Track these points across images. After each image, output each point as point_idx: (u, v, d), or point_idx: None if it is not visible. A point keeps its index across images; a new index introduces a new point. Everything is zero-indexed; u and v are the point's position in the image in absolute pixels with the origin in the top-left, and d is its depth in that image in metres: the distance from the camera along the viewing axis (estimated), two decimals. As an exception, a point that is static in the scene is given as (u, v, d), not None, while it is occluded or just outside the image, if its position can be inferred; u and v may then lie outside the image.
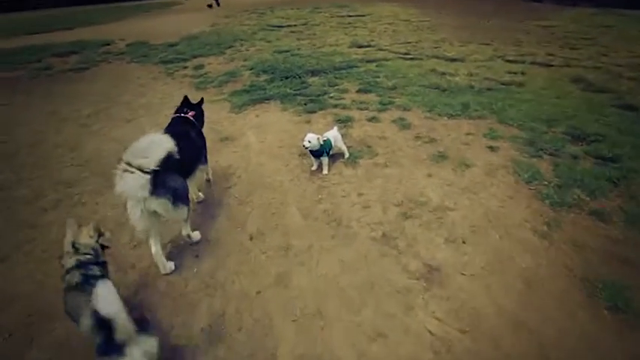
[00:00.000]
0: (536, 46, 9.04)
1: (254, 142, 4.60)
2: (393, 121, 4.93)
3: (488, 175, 3.61)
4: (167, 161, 2.10)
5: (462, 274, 2.49)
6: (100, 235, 1.90)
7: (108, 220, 3.22)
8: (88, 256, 1.75)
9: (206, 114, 3.66)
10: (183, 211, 2.39)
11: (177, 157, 2.20)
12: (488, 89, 5.97)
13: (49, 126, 5.70)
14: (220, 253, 2.78)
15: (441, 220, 3.00)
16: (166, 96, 6.74)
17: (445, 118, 5.00)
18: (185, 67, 8.69)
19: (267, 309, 2.31)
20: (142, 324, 1.58)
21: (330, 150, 3.64)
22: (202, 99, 3.50)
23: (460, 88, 6.05)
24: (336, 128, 3.90)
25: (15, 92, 7.61)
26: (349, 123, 4.93)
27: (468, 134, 4.48)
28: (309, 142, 3.43)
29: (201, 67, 8.62)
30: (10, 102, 7.00)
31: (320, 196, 3.39)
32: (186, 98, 3.36)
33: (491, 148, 4.11)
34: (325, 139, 3.56)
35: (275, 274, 2.56)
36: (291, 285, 2.47)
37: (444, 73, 6.89)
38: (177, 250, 2.84)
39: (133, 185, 1.97)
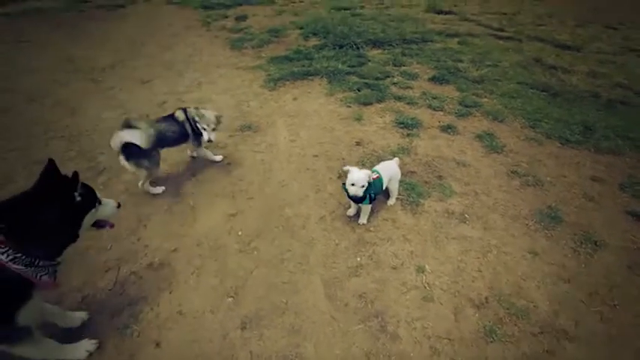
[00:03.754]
0: (686, 40, 6.64)
1: (283, 140, 3.47)
2: (478, 137, 3.53)
3: (632, 272, 2.25)
4: None
5: None
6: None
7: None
8: None
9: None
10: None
11: None
12: (622, 103, 4.22)
13: (59, 75, 4.94)
14: (189, 352, 1.83)
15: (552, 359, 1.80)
16: (194, 53, 5.68)
17: (557, 143, 3.49)
18: (226, 17, 7.49)
19: None
20: None
21: (377, 194, 2.43)
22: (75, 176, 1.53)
23: (578, 95, 4.35)
24: (396, 161, 2.64)
25: (40, 28, 6.93)
26: (414, 130, 3.60)
27: (594, 180, 3.01)
28: (354, 184, 2.22)
29: (244, 18, 7.37)
30: (31, 40, 6.32)
31: (359, 260, 2.28)
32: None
33: (635, 214, 2.66)
34: (376, 176, 2.33)
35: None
36: None
37: (553, 67, 5.10)
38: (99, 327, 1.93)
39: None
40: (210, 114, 2.77)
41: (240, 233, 2.46)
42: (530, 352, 1.82)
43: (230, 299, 2.04)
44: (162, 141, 2.62)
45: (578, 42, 6.17)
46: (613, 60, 5.50)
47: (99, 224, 1.73)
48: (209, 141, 2.80)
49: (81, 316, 1.90)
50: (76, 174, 1.50)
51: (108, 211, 1.73)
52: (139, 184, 2.74)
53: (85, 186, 1.58)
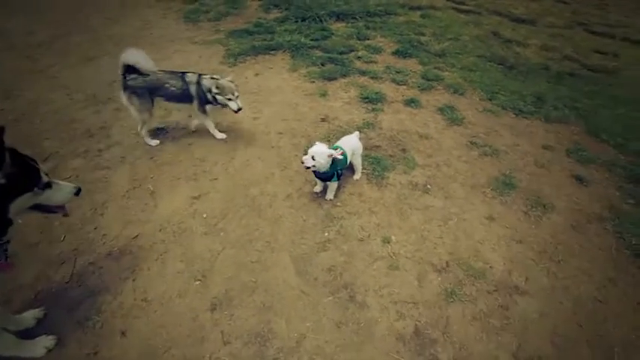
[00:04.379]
0: (627, 14, 7.08)
1: (246, 118, 3.35)
2: (440, 110, 3.61)
3: (575, 231, 2.47)
4: None
5: None
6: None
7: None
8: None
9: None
10: None
11: None
12: (570, 74, 4.47)
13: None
14: (157, 338, 1.80)
15: (505, 314, 1.96)
16: (145, 26, 5.25)
17: (511, 114, 3.66)
18: (178, -14, 6.90)
19: None
20: None
21: (342, 170, 2.44)
22: None
23: (531, 68, 4.54)
24: (357, 135, 2.64)
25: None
26: (379, 104, 3.61)
27: (544, 148, 3.21)
28: (314, 159, 2.21)
29: (198, -13, 6.83)
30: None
31: (326, 235, 2.31)
32: None
33: (579, 178, 2.89)
34: (340, 153, 2.32)
35: (238, 395, 1.60)
36: None
37: (509, 41, 5.27)
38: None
39: None
40: (228, 83, 2.69)
41: (205, 216, 2.39)
42: (487, 308, 1.97)
43: (198, 282, 2.01)
44: (157, 89, 2.69)
45: (533, 16, 6.39)
46: (563, 34, 5.76)
47: (46, 209, 1.50)
48: (239, 110, 2.72)
49: (34, 315, 1.78)
50: (1, 149, 1.23)
51: (59, 198, 1.50)
52: (138, 128, 2.90)
53: (21, 164, 1.33)
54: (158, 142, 2.96)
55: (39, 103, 3.50)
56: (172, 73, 2.77)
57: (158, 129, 3.15)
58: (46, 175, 1.45)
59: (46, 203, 1.48)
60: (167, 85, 2.71)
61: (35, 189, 1.39)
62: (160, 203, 2.47)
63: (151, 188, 2.59)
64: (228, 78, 2.73)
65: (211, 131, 3.01)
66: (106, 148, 2.92)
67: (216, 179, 2.67)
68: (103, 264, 2.09)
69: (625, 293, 2.11)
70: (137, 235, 2.25)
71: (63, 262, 2.08)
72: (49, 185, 1.45)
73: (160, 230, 2.29)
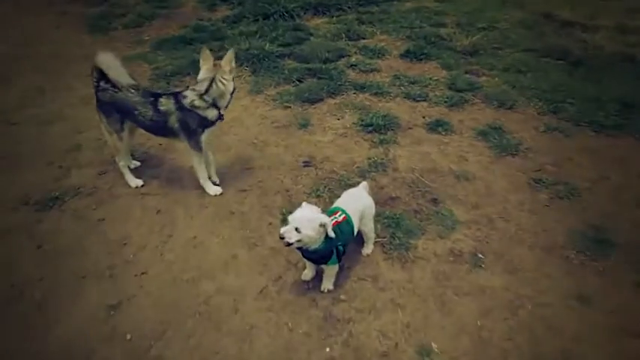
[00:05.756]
0: None
1: (190, 170, 3.39)
2: (481, 134, 3.76)
3: None
4: None
5: None
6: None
7: None
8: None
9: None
10: None
11: None
12: (665, 66, 4.77)
13: None
14: None
15: None
16: (29, 41, 5.47)
17: (589, 131, 3.83)
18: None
19: None
20: None
21: (346, 244, 2.44)
22: None
23: (608, 62, 4.84)
24: (365, 187, 2.72)
25: None
26: (390, 134, 3.74)
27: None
28: (298, 230, 2.16)
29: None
30: None
31: (328, 352, 2.23)
32: None
33: None
34: (342, 218, 2.35)
35: None
36: None
37: (569, 24, 5.66)
38: None
39: None
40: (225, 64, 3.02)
41: (129, 337, 2.31)
42: None
43: None
44: (127, 112, 2.98)
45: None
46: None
47: None
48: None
49: None
50: None
51: None
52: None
53: None
54: (141, 182, 3.26)
55: None
56: (144, 95, 2.97)
57: (50, 199, 3.15)
58: None
59: None
60: (136, 112, 2.94)
61: None
62: (54, 321, 2.39)
63: (40, 297, 2.52)
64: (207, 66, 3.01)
65: (201, 182, 3.15)
66: (-35, 237, 2.88)
67: (144, 273, 2.65)
68: None
69: None
70: (16, 382, 2.15)
71: None
72: None
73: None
